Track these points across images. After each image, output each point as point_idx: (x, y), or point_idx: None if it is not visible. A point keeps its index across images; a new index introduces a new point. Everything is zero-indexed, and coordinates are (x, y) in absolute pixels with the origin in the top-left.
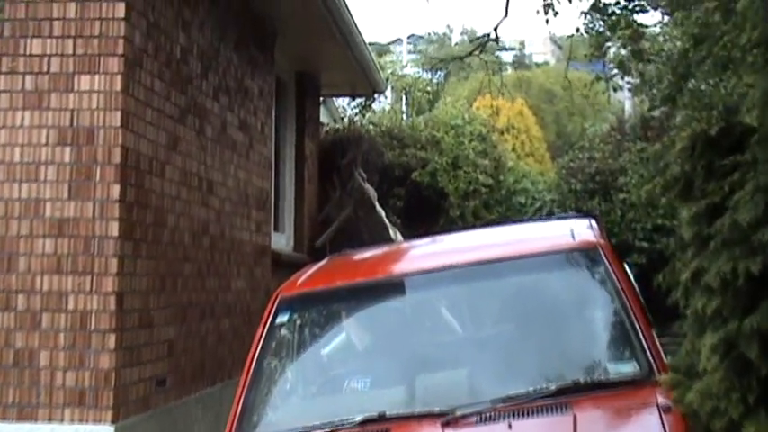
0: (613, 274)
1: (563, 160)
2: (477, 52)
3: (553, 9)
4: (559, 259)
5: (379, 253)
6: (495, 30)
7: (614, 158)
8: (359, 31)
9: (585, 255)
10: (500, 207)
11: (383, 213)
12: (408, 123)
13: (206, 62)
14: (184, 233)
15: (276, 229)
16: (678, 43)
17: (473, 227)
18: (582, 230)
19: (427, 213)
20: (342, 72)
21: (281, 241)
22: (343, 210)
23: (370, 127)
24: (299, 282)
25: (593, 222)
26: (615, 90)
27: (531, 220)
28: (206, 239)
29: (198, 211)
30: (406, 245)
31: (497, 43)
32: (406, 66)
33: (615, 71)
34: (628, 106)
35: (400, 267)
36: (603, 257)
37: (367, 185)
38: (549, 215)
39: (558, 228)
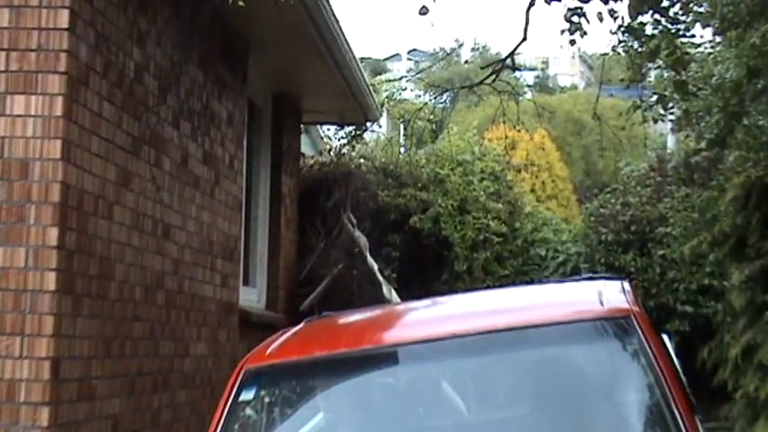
0: (649, 349)
1: (592, 205)
2: (489, 80)
3: (581, 29)
4: (585, 330)
5: (367, 316)
6: (512, 56)
7: (653, 204)
8: (349, 47)
9: (616, 325)
10: (515, 261)
11: (376, 267)
12: (407, 158)
13: (165, 82)
14: (135, 287)
15: (246, 282)
16: (730, 69)
17: (482, 286)
18: (612, 294)
19: (428, 266)
20: (328, 95)
21: (252, 298)
22: (329, 263)
23: (361, 161)
24: (270, 351)
25: (626, 285)
26: (656, 121)
27: (551, 279)
28: (161, 295)
29: (152, 260)
30: (401, 307)
31: (514, 70)
32: (406, 89)
33: (655, 98)
34: (670, 141)
35: (393, 335)
36: (637, 328)
37: (357, 233)
38: (575, 272)
39: (583, 290)
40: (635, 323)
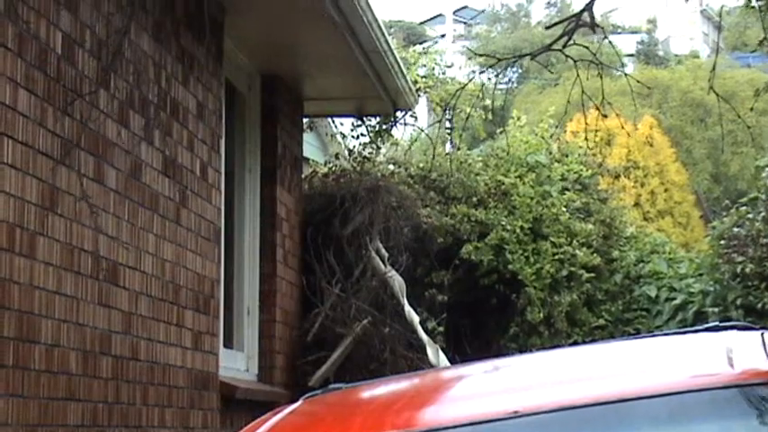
0: None
1: (722, 223)
2: (560, 43)
3: None
4: (704, 402)
5: (393, 389)
6: (590, 7)
7: None
8: (368, 3)
9: (751, 394)
10: (613, 305)
11: (417, 320)
12: (456, 161)
13: (106, 61)
14: (70, 353)
15: (228, 344)
16: None
17: (566, 343)
18: (747, 351)
19: (488, 316)
20: (340, 76)
21: (237, 365)
22: (349, 316)
23: (391, 168)
24: None
25: (766, 337)
26: None
27: (660, 331)
28: (106, 364)
29: (93, 315)
30: (443, 374)
31: (593, 29)
32: (452, 64)
33: None
34: None
35: (429, 415)
36: None
37: (390, 271)
38: (699, 319)
39: (704, 346)
40: None
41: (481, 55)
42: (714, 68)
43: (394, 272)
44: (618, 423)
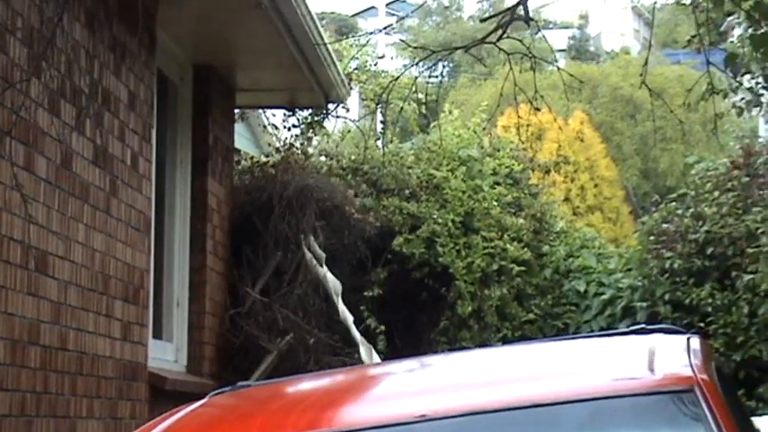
0: None
1: (651, 219)
2: (494, 37)
3: None
4: (622, 409)
5: (303, 389)
6: (524, 2)
7: (738, 217)
8: None
9: (672, 401)
10: (543, 300)
11: (351, 320)
12: (388, 155)
13: (37, 48)
14: None
15: (158, 335)
16: None
17: (496, 337)
18: (670, 355)
19: (419, 310)
20: (273, 67)
21: (166, 356)
22: (274, 325)
23: (322, 159)
24: None
25: (694, 341)
26: (740, 114)
27: (581, 333)
28: (34, 354)
29: (21, 304)
30: (359, 374)
31: (528, 23)
32: (384, 56)
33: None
34: (762, 127)
35: (332, 418)
36: (705, 406)
37: (324, 270)
38: (627, 313)
39: (627, 349)
40: (701, 399)
41: (415, 47)
42: (646, 63)
43: (329, 273)
44: (529, 429)
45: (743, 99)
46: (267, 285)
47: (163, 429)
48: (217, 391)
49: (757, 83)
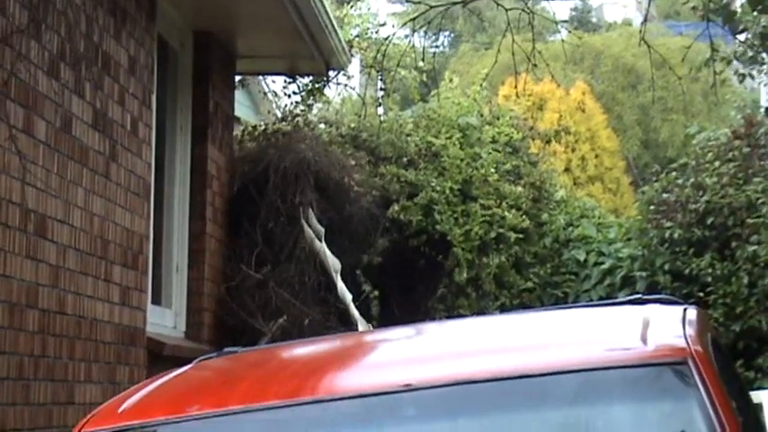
0: (713, 409)
1: (651, 189)
2: None
3: None
4: (612, 381)
5: (291, 355)
6: None
7: (738, 187)
8: None
9: (663, 373)
10: (542, 268)
11: (349, 298)
12: (386, 122)
13: (36, 11)
14: None
15: (156, 300)
16: None
17: (493, 305)
18: (665, 327)
19: (416, 277)
20: (273, 34)
21: (165, 322)
22: (268, 304)
23: (322, 127)
24: (124, 407)
25: (691, 312)
26: (741, 80)
27: (579, 302)
28: (33, 317)
29: (20, 267)
30: (348, 342)
31: None
32: (385, 23)
33: (741, 41)
34: (764, 98)
35: (315, 385)
36: (698, 378)
37: (323, 246)
38: (626, 283)
39: (623, 322)
40: (694, 371)
41: (416, 2)
42: (645, 22)
43: (327, 250)
44: (517, 399)
45: (746, 59)
46: (263, 259)
47: (147, 392)
48: (204, 357)
49: (754, 43)
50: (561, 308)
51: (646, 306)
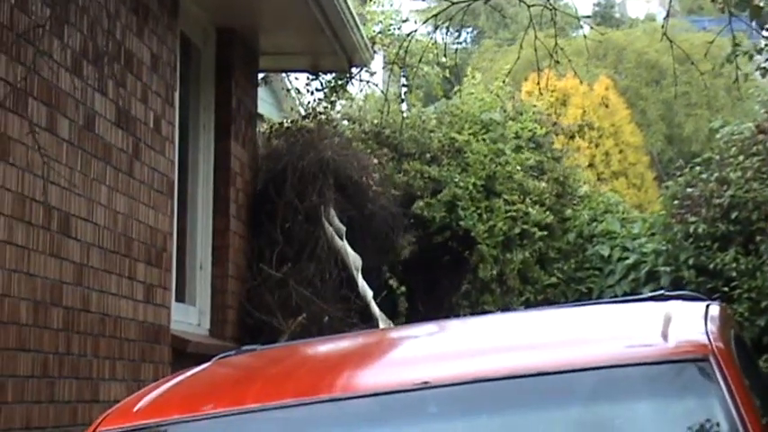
0: (735, 407)
1: (675, 184)
2: None
3: None
4: (636, 377)
5: (310, 353)
6: None
7: (762, 181)
8: None
9: (684, 370)
10: (566, 264)
11: (370, 294)
12: (409, 118)
13: (59, 10)
14: (20, 304)
15: (180, 298)
16: None
17: (518, 301)
18: (687, 323)
19: (441, 274)
20: (296, 30)
21: (189, 319)
22: (287, 304)
23: (345, 124)
24: (140, 405)
25: (714, 308)
26: (764, 75)
27: (603, 298)
28: (57, 315)
29: (44, 265)
30: (365, 339)
31: None
32: (407, 19)
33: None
34: None
35: (334, 383)
36: (719, 376)
37: (344, 244)
38: (651, 278)
39: (644, 318)
40: (716, 368)
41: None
42: (667, 16)
43: (348, 246)
44: (535, 397)
45: (767, 60)
46: (284, 257)
47: (163, 391)
48: (223, 355)
49: None
50: (583, 304)
51: (668, 302)
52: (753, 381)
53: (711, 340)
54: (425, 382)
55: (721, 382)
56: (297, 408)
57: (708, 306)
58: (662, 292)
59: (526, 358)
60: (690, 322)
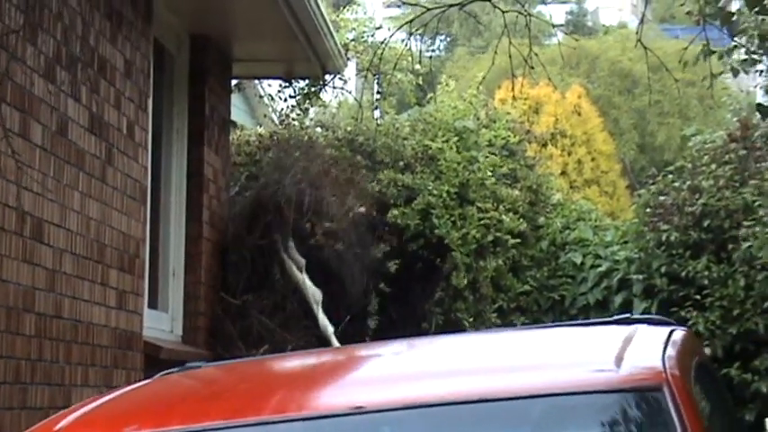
0: None
1: (648, 192)
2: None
3: None
4: (583, 406)
5: (247, 374)
6: None
7: (735, 189)
8: None
9: (636, 399)
10: (538, 271)
11: (330, 330)
12: (383, 126)
13: (31, 14)
14: None
15: (153, 305)
16: None
17: (490, 309)
18: (643, 349)
19: (414, 280)
20: (269, 38)
21: (162, 326)
22: (259, 326)
23: (318, 131)
24: (63, 424)
25: (678, 333)
26: (736, 74)
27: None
28: (29, 321)
29: (16, 271)
30: (306, 360)
31: None
32: (381, 27)
33: (739, 42)
34: (760, 101)
35: (265, 407)
36: (672, 407)
37: (304, 277)
38: (623, 285)
39: (601, 343)
40: (668, 398)
41: (412, 4)
42: (642, 22)
43: (308, 279)
44: (474, 425)
45: (738, 60)
46: (247, 284)
47: (90, 409)
48: (165, 372)
49: (750, 46)
50: (545, 327)
51: (631, 326)
52: (716, 410)
53: (667, 368)
54: (359, 407)
55: (673, 414)
56: (219, 431)
57: (672, 331)
58: (627, 315)
59: (469, 383)
60: (648, 348)
